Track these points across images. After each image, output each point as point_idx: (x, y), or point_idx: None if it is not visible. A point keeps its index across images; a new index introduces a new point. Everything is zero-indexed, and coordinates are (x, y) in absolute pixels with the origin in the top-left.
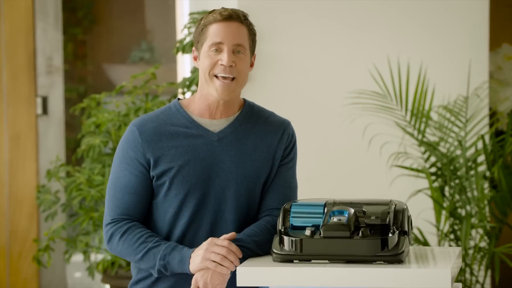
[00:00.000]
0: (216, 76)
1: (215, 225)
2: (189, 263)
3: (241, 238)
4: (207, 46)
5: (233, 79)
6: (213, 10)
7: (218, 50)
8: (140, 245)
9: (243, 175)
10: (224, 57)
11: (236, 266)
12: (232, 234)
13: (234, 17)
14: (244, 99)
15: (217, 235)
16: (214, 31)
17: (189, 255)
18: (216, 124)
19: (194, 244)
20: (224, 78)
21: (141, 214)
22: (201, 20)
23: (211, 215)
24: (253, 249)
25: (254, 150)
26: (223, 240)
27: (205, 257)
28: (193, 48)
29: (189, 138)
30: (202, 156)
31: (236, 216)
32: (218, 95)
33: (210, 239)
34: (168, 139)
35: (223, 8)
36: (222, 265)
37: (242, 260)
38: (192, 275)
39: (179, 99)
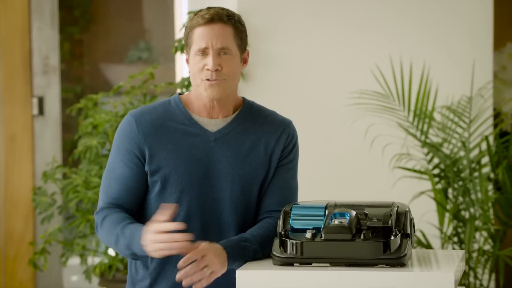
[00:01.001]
0: (204, 80)
1: (210, 226)
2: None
3: (247, 237)
4: (193, 51)
5: (222, 80)
6: (199, 12)
7: (204, 54)
8: (112, 232)
9: (239, 176)
10: (209, 61)
11: (238, 263)
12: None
13: (216, 19)
14: (243, 98)
15: (212, 235)
16: (198, 36)
17: (140, 237)
18: (213, 124)
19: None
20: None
21: (131, 205)
22: (188, 23)
23: (206, 216)
24: (258, 249)
25: (251, 150)
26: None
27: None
28: (185, 51)
29: (186, 136)
30: (198, 156)
31: (232, 217)
32: (208, 95)
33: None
34: (165, 135)
35: (207, 8)
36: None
37: (247, 260)
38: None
39: (179, 93)
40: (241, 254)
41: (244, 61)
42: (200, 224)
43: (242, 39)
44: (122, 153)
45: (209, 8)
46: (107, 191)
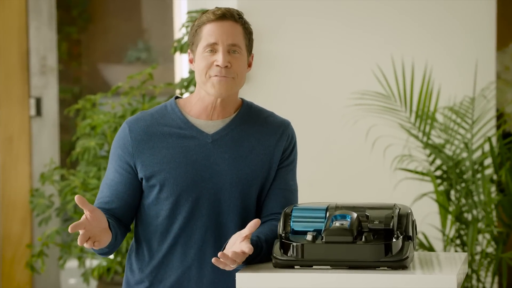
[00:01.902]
0: (212, 76)
1: (209, 229)
2: None
3: (258, 235)
4: (201, 47)
5: (230, 78)
6: (207, 11)
7: (213, 51)
8: None
9: (237, 178)
10: (219, 58)
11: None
12: (256, 220)
13: (228, 16)
14: (242, 99)
15: (212, 239)
16: (208, 32)
17: None
18: (211, 125)
19: (187, 248)
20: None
21: (121, 210)
22: (195, 22)
23: (205, 219)
24: (265, 249)
25: (250, 152)
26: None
27: None
28: (189, 51)
29: (181, 139)
30: (194, 158)
31: (231, 220)
32: (216, 91)
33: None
34: (159, 140)
35: (216, 7)
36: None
37: (252, 260)
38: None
39: (176, 97)
40: (256, 255)
41: (249, 65)
42: (199, 227)
43: (250, 40)
44: (115, 159)
45: (218, 8)
46: (99, 195)
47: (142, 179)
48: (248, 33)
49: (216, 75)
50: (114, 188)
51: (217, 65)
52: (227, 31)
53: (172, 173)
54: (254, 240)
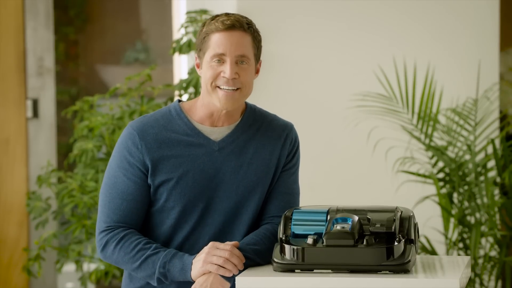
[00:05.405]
0: (219, 87)
1: (213, 238)
2: (190, 270)
3: (239, 247)
4: (209, 56)
5: (237, 89)
6: (216, 16)
7: (221, 61)
8: (138, 252)
9: (243, 186)
10: (226, 69)
11: (239, 270)
12: (234, 243)
13: (237, 26)
14: (246, 102)
15: None
16: (216, 41)
17: (191, 261)
18: (217, 132)
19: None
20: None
21: (138, 222)
22: (203, 27)
23: (210, 228)
24: (253, 258)
25: (255, 158)
26: (226, 243)
27: (207, 261)
28: (196, 55)
29: (189, 147)
30: (202, 167)
31: (237, 227)
32: (222, 105)
33: (211, 243)
34: (168, 147)
35: (226, 15)
36: (224, 267)
37: (241, 270)
38: (191, 283)
39: (179, 100)
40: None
41: (257, 71)
42: (202, 236)
43: (258, 48)
44: (125, 167)
45: (227, 14)
46: (111, 207)
47: (150, 185)
48: (257, 41)
49: (223, 87)
50: (131, 198)
51: (224, 77)
52: (236, 41)
53: (180, 183)
54: (242, 249)
